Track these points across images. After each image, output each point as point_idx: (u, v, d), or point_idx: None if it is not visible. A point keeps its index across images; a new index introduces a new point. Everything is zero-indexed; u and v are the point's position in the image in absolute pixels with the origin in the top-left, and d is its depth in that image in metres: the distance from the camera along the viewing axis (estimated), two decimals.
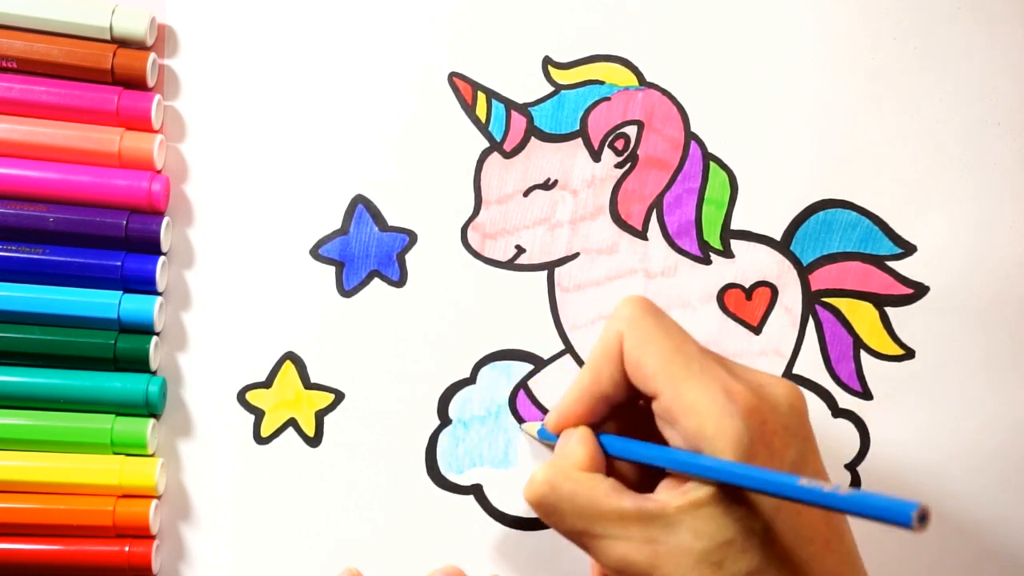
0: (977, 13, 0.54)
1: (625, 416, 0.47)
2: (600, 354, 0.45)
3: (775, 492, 0.39)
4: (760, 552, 0.41)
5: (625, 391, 0.45)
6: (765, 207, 0.54)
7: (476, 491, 0.53)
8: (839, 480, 0.53)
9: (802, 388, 0.52)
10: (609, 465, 0.46)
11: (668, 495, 0.42)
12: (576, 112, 0.54)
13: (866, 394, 0.53)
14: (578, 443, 0.45)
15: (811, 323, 0.53)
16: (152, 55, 0.52)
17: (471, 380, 0.53)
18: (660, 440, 0.44)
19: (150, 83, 0.52)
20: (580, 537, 0.44)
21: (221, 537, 0.52)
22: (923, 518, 0.34)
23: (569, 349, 0.53)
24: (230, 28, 0.53)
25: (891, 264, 0.54)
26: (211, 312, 0.53)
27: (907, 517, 0.34)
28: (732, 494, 0.41)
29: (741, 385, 0.42)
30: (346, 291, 0.53)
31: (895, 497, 0.35)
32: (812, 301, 0.54)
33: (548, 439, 0.48)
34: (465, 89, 0.54)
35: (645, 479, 0.46)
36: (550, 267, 0.53)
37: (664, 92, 0.54)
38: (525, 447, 0.53)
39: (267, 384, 0.53)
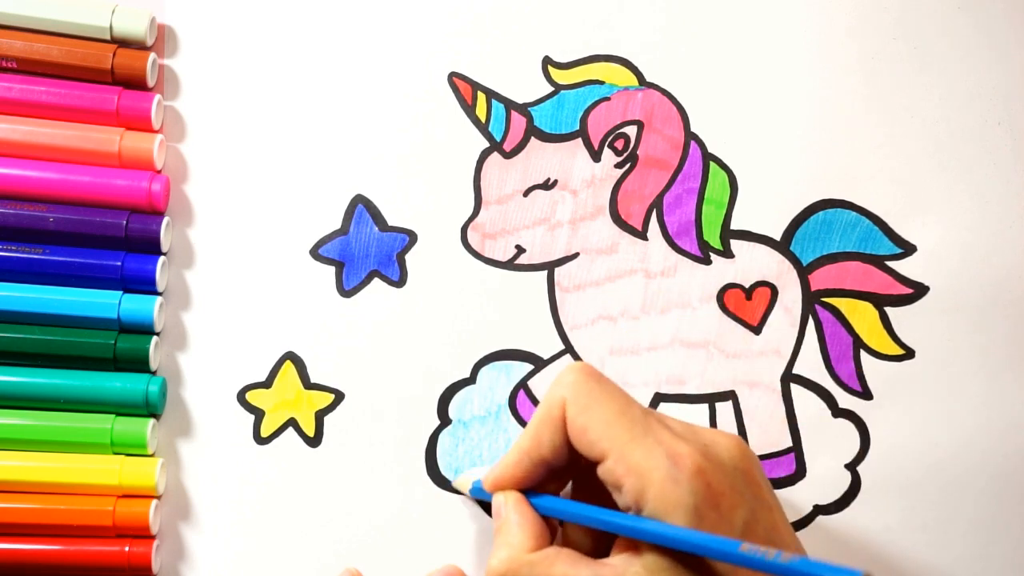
0: (976, 13, 0.54)
1: (571, 476, 0.47)
2: (542, 419, 0.45)
3: (716, 557, 0.40)
4: None
5: (565, 456, 0.45)
6: (765, 207, 0.54)
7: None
8: (838, 479, 0.53)
9: (802, 387, 0.53)
10: (563, 527, 0.46)
11: (622, 559, 0.43)
12: (576, 112, 0.54)
13: (866, 394, 0.53)
14: (519, 525, 0.45)
15: (811, 323, 0.53)
16: (152, 55, 0.52)
17: (471, 380, 0.53)
18: (608, 499, 0.44)
19: (150, 83, 0.52)
20: None
21: (221, 537, 0.52)
22: None
23: (569, 349, 0.53)
24: (230, 28, 0.54)
25: (891, 264, 0.54)
26: (211, 312, 0.53)
27: None
28: (687, 559, 0.41)
29: (686, 447, 0.42)
30: (346, 291, 0.53)
31: (838, 565, 0.36)
32: (812, 301, 0.54)
33: (482, 497, 0.48)
34: (465, 89, 0.54)
35: (599, 537, 0.46)
36: (550, 267, 0.53)
37: (664, 92, 0.54)
38: None
39: (267, 384, 0.53)
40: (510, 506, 0.46)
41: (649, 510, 0.42)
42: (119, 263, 0.51)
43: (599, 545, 0.46)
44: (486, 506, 0.51)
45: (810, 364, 0.53)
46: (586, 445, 0.44)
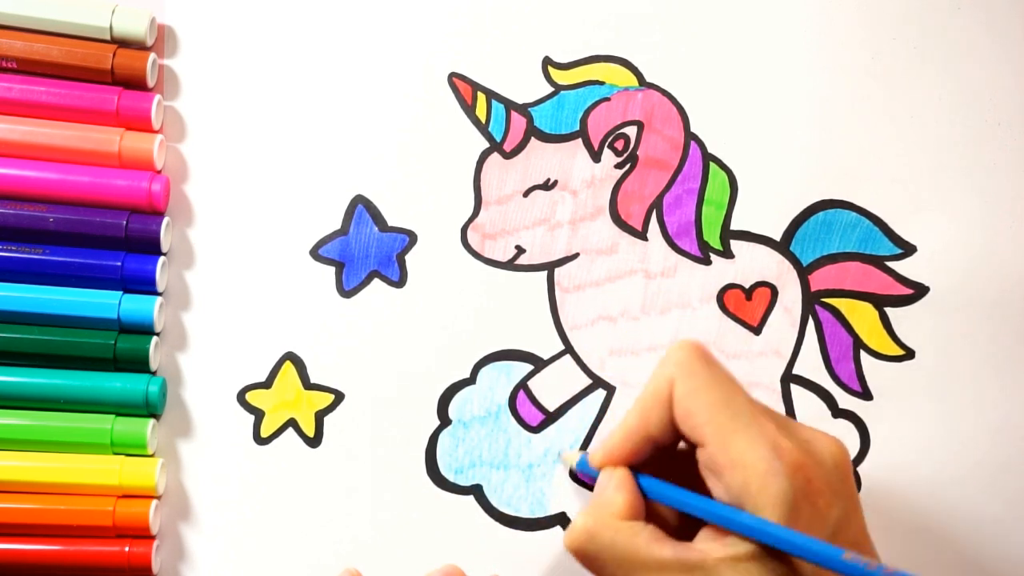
0: (977, 12, 0.54)
1: (668, 457, 0.47)
2: (650, 396, 0.45)
3: (817, 562, 0.39)
4: None
5: (672, 435, 0.45)
6: (765, 207, 0.54)
7: (476, 491, 0.53)
8: None
9: (802, 388, 0.53)
10: (649, 506, 0.45)
11: (709, 545, 0.42)
12: (576, 112, 0.54)
13: (866, 394, 0.53)
14: (617, 490, 0.45)
15: (811, 323, 0.53)
16: (152, 55, 0.52)
17: (471, 380, 0.53)
18: (701, 485, 0.44)
19: (150, 83, 0.52)
20: None
21: (221, 537, 0.52)
22: None
23: (569, 349, 0.53)
24: (230, 28, 0.54)
25: (891, 264, 0.54)
26: (211, 312, 0.53)
27: None
28: (773, 552, 0.41)
29: (789, 441, 0.42)
30: (346, 291, 0.53)
31: None
32: (812, 301, 0.54)
33: (588, 473, 0.48)
34: (465, 89, 0.54)
35: (685, 522, 0.45)
36: (550, 267, 0.53)
37: (664, 92, 0.54)
38: (529, 450, 0.53)
39: (267, 384, 0.53)
40: (615, 478, 0.45)
41: (746, 502, 0.41)
42: (119, 263, 0.51)
43: (685, 525, 0.45)
44: (585, 485, 0.51)
45: (810, 364, 0.53)
46: (689, 428, 0.44)
